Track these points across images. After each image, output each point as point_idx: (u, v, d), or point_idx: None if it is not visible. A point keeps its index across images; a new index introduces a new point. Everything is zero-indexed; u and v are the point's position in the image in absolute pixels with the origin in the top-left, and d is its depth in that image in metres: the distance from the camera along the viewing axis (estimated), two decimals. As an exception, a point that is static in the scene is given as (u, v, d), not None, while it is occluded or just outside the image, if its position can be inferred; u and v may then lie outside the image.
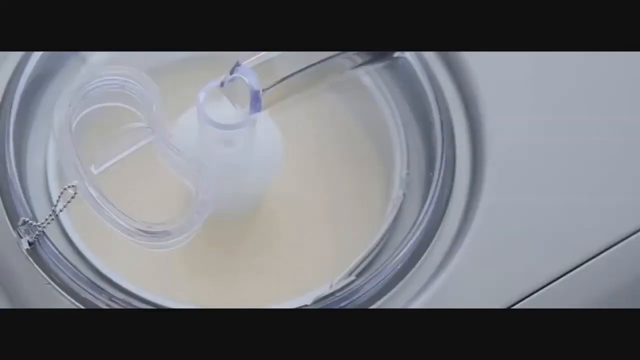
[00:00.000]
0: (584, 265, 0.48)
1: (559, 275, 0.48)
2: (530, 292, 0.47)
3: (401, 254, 0.47)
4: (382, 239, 0.49)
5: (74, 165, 0.45)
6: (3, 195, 0.47)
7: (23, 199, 0.46)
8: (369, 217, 0.50)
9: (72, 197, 0.44)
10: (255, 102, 0.46)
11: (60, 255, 0.45)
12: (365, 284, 0.46)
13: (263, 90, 0.47)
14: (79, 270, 0.45)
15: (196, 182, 0.46)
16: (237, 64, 0.47)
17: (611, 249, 0.49)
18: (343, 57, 0.50)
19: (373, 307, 0.47)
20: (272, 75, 0.48)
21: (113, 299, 0.45)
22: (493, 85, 0.51)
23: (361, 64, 0.52)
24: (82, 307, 0.45)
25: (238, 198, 0.50)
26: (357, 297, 0.47)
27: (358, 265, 0.48)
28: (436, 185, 0.49)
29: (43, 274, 0.46)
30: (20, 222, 0.45)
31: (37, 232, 0.45)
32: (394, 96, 0.52)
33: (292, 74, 0.48)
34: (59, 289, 0.45)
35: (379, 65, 0.52)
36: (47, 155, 0.49)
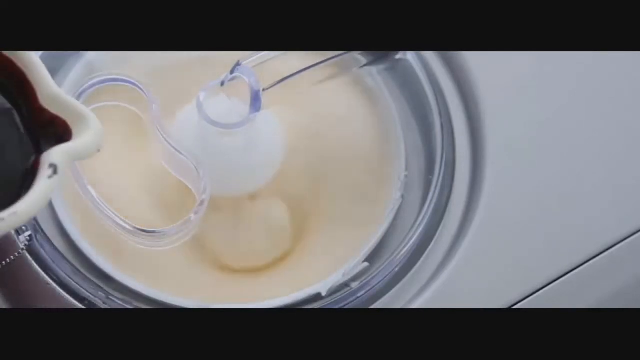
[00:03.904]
0: (584, 265, 0.48)
1: (559, 275, 0.48)
2: (530, 292, 0.47)
3: (401, 254, 0.47)
4: (382, 239, 0.49)
5: (74, 165, 0.45)
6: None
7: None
8: (368, 218, 0.50)
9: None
10: (255, 101, 0.47)
11: (59, 255, 0.46)
12: (365, 284, 0.47)
13: (263, 90, 0.47)
14: (78, 269, 0.46)
15: (195, 183, 0.46)
16: (237, 64, 0.47)
17: (611, 249, 0.49)
18: (344, 58, 0.50)
19: (373, 307, 0.47)
20: (272, 75, 0.48)
21: (112, 297, 0.45)
22: (493, 85, 0.51)
23: (363, 65, 0.52)
24: (82, 307, 0.45)
25: (236, 197, 0.50)
26: (357, 297, 0.47)
27: (355, 267, 0.48)
28: (436, 186, 0.49)
29: (43, 273, 0.46)
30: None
31: (31, 233, 0.45)
32: (394, 97, 0.52)
33: (292, 74, 0.48)
34: (59, 289, 0.45)
35: (381, 66, 0.52)
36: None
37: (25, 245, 0.45)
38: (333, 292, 0.47)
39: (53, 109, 0.37)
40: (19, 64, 0.38)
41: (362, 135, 0.52)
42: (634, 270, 0.49)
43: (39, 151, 0.36)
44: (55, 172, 0.35)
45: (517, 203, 0.49)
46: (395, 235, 0.49)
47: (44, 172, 0.35)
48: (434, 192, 0.49)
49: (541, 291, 0.47)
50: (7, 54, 0.38)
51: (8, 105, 0.37)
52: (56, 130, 0.37)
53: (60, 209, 0.47)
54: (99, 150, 0.37)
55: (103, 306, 0.45)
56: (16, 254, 0.45)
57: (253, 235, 0.49)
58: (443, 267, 0.47)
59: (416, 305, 0.46)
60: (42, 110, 0.38)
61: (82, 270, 0.46)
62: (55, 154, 0.35)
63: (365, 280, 0.47)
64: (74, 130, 0.37)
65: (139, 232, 0.44)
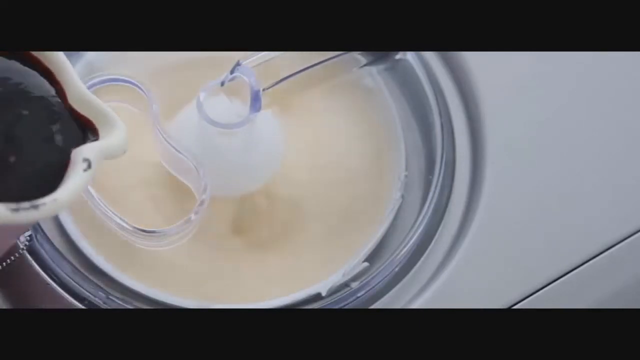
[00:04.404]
0: (584, 265, 0.48)
1: (559, 275, 0.48)
2: (530, 292, 0.47)
3: (401, 254, 0.47)
4: (382, 239, 0.49)
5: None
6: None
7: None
8: (368, 218, 0.50)
9: None
10: (255, 101, 0.47)
11: (59, 255, 0.46)
12: (365, 284, 0.47)
13: (263, 90, 0.47)
14: (78, 269, 0.46)
15: (195, 182, 0.46)
16: (237, 64, 0.47)
17: (611, 249, 0.49)
18: (344, 58, 0.50)
19: (373, 307, 0.47)
20: (272, 75, 0.48)
21: (112, 297, 0.45)
22: (493, 85, 0.51)
23: (363, 65, 0.52)
24: (82, 307, 0.45)
25: (235, 196, 0.50)
26: (357, 297, 0.47)
27: (355, 267, 0.48)
28: (436, 186, 0.49)
29: (43, 273, 0.46)
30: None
31: (31, 233, 0.45)
32: (394, 97, 0.52)
33: (292, 74, 0.48)
34: (59, 289, 0.45)
35: (381, 66, 0.52)
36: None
37: (25, 245, 0.45)
38: (333, 292, 0.47)
39: (80, 109, 0.38)
40: (47, 64, 0.39)
41: (362, 135, 0.52)
42: (634, 270, 0.49)
43: (85, 142, 0.37)
44: (89, 166, 0.36)
45: (517, 203, 0.49)
46: (395, 235, 0.49)
47: (79, 165, 0.36)
48: (434, 192, 0.49)
49: (541, 291, 0.47)
50: (35, 54, 0.39)
51: (53, 92, 0.38)
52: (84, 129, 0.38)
53: (60, 209, 0.47)
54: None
55: (103, 306, 0.45)
56: (16, 254, 0.45)
57: None
58: (443, 267, 0.47)
59: (416, 305, 0.46)
60: (71, 110, 0.38)
61: (82, 270, 0.46)
62: (88, 150, 0.36)
63: (365, 280, 0.47)
64: (100, 131, 0.38)
65: (139, 232, 0.44)
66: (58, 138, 0.37)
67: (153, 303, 0.46)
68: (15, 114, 0.36)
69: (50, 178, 0.36)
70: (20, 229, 0.40)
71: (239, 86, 0.47)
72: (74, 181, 0.35)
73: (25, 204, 0.34)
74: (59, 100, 0.38)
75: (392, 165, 0.51)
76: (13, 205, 0.33)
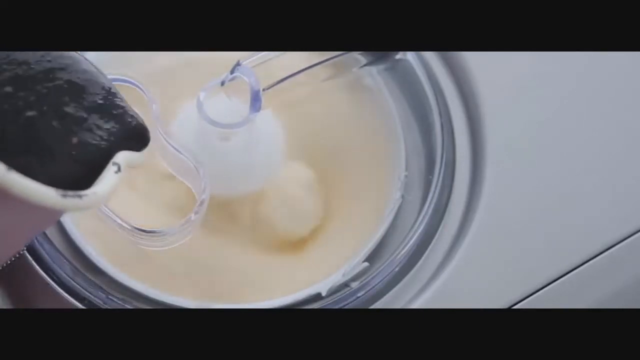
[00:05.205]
0: (584, 265, 0.48)
1: (559, 275, 0.48)
2: (530, 292, 0.47)
3: (401, 254, 0.47)
4: (382, 239, 0.49)
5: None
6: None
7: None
8: (368, 218, 0.50)
9: None
10: (255, 101, 0.47)
11: (59, 255, 0.46)
12: (365, 284, 0.47)
13: (263, 90, 0.47)
14: (78, 269, 0.46)
15: (195, 182, 0.46)
16: (237, 64, 0.47)
17: (611, 249, 0.49)
18: (344, 58, 0.50)
19: (373, 307, 0.47)
20: (272, 75, 0.48)
21: (112, 297, 0.45)
22: (493, 85, 0.51)
23: (363, 65, 0.52)
24: (82, 307, 0.45)
25: (235, 196, 0.50)
26: (357, 297, 0.47)
27: (355, 267, 0.48)
28: (436, 186, 0.49)
29: (43, 273, 0.46)
30: None
31: None
32: (394, 97, 0.52)
33: (292, 74, 0.48)
34: (59, 289, 0.45)
35: (381, 66, 0.52)
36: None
37: (26, 245, 0.45)
38: (333, 292, 0.47)
39: None
40: None
41: (362, 136, 0.52)
42: (634, 270, 0.49)
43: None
44: (119, 169, 0.36)
45: (517, 203, 0.49)
46: (395, 235, 0.49)
47: (110, 168, 0.36)
48: (434, 192, 0.49)
49: (541, 291, 0.47)
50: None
51: (111, 86, 0.39)
52: None
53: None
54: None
55: (103, 306, 0.45)
56: (16, 254, 0.45)
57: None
58: (443, 267, 0.47)
59: (416, 305, 0.46)
60: None
61: (82, 270, 0.46)
62: (119, 155, 0.37)
63: (365, 280, 0.47)
64: None
65: (139, 232, 0.44)
66: (114, 132, 0.37)
67: (153, 303, 0.46)
68: (89, 101, 0.37)
69: (89, 172, 0.36)
70: (40, 226, 0.41)
71: (239, 86, 0.47)
72: (109, 179, 0.36)
73: (71, 192, 0.34)
74: (119, 97, 0.38)
75: (392, 165, 0.51)
76: (62, 192, 0.34)
